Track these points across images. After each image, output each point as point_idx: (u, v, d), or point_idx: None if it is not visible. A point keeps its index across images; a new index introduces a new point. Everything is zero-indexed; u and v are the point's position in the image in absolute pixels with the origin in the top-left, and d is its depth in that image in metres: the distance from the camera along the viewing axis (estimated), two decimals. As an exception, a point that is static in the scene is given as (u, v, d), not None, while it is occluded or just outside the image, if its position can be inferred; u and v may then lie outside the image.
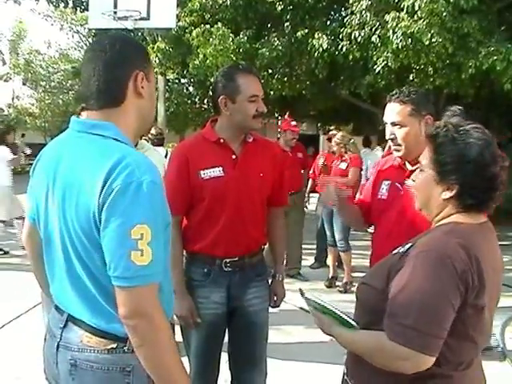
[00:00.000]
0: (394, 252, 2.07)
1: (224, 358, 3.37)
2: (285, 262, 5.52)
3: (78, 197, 1.83)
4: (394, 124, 3.05)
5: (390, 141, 3.11)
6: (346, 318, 2.04)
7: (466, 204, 1.97)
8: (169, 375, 1.86)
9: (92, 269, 1.88)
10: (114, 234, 1.76)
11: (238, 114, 3.11)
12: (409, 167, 3.06)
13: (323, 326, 2.18)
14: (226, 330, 3.33)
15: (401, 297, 1.87)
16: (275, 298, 3.45)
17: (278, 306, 3.53)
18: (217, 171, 3.10)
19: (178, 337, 3.26)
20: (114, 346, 1.93)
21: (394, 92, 3.11)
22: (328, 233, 8.21)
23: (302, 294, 2.31)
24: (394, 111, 3.06)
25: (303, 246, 8.99)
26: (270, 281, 3.47)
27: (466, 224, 1.96)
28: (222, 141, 3.15)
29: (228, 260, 3.17)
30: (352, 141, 7.97)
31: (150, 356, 1.83)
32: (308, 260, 9.24)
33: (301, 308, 6.53)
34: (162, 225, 1.88)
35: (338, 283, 8.05)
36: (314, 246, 9.40)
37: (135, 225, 1.75)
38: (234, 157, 3.15)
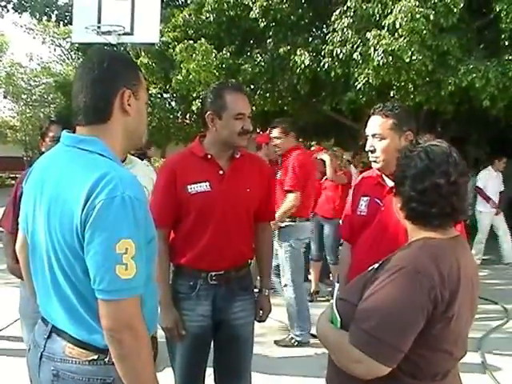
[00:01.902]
0: (370, 269, 2.12)
1: (208, 371, 3.37)
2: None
3: (63, 209, 1.86)
4: (374, 136, 3.09)
5: (369, 152, 3.14)
6: (335, 314, 2.07)
7: (409, 216, 2.06)
8: None
9: (74, 280, 1.90)
10: (99, 249, 1.79)
11: (223, 131, 3.15)
12: (389, 183, 3.06)
13: (320, 316, 2.22)
14: (212, 344, 3.35)
15: (366, 304, 1.93)
16: (261, 313, 3.46)
17: (264, 321, 3.53)
18: (203, 186, 3.13)
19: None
20: (95, 357, 1.95)
21: (378, 105, 3.15)
22: (313, 247, 8.24)
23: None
24: (375, 123, 3.10)
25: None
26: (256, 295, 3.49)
27: (437, 239, 2.02)
28: (209, 156, 3.19)
29: (214, 273, 3.19)
30: (344, 156, 8.03)
31: (131, 368, 1.87)
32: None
33: (282, 322, 6.56)
34: (145, 239, 1.91)
35: (319, 298, 8.07)
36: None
37: (120, 239, 1.79)
38: (221, 172, 3.18)
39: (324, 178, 8.23)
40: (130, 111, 2.05)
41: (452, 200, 1.99)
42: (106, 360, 1.95)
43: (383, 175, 3.15)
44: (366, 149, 3.15)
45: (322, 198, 8.18)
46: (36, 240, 2.03)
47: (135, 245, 1.81)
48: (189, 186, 3.13)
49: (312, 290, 8.16)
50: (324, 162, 8.13)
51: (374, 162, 3.12)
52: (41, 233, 1.98)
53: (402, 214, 2.10)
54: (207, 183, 3.14)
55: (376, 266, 2.07)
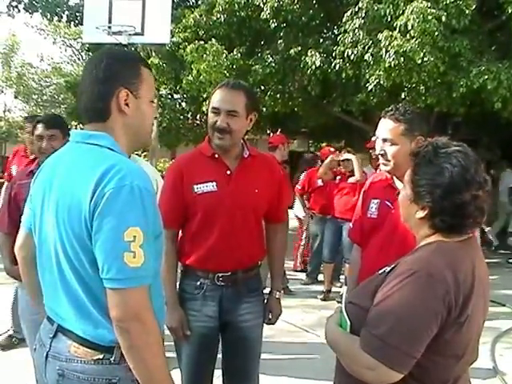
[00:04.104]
0: (380, 272, 2.07)
1: (217, 373, 3.35)
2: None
3: (71, 200, 1.88)
4: (385, 140, 3.05)
5: (379, 155, 3.10)
6: (345, 316, 2.03)
7: (437, 226, 1.98)
8: (156, 379, 1.89)
9: (81, 272, 1.91)
10: (107, 237, 1.80)
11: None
12: (399, 186, 3.00)
13: (328, 319, 2.18)
14: (220, 345, 3.33)
15: (378, 309, 1.89)
16: (270, 316, 3.42)
17: (273, 324, 3.49)
18: (210, 186, 3.11)
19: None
20: (101, 356, 1.94)
21: (390, 108, 3.10)
22: (326, 249, 8.23)
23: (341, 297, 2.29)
24: (386, 128, 3.05)
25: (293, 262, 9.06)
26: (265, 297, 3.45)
27: (450, 242, 1.97)
28: (216, 156, 3.16)
29: (221, 274, 3.16)
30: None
31: (140, 360, 1.86)
32: (298, 276, 9.26)
33: (291, 324, 6.54)
34: (153, 232, 1.92)
35: (331, 295, 8.11)
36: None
37: (128, 227, 1.80)
38: (228, 172, 3.16)
39: (337, 179, 8.19)
40: (127, 111, 2.06)
41: (484, 209, 1.95)
42: (112, 359, 1.95)
43: (394, 177, 3.12)
44: (376, 152, 3.12)
45: (339, 200, 8.11)
46: (43, 236, 2.05)
47: (143, 233, 1.82)
48: (195, 186, 3.11)
49: (325, 290, 8.19)
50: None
51: (384, 165, 3.08)
52: (49, 228, 1.99)
53: (425, 223, 2.01)
54: (214, 183, 3.12)
55: (388, 269, 2.02)
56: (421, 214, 1.99)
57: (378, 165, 6.62)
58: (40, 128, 3.98)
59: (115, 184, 1.81)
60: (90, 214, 1.82)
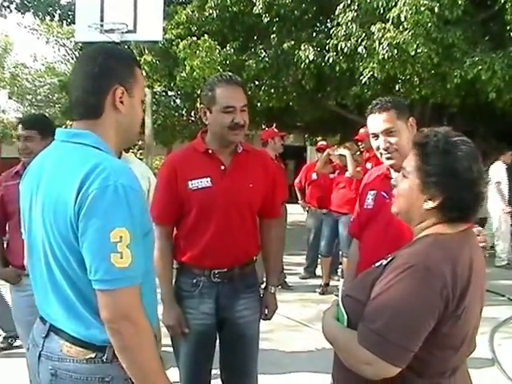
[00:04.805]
0: (377, 264, 2.05)
1: (215, 370, 3.34)
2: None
3: (57, 202, 1.86)
4: (386, 132, 2.99)
5: (383, 151, 3.02)
6: (342, 310, 2.01)
7: (450, 216, 1.95)
8: (151, 379, 1.88)
9: (70, 273, 1.89)
10: (93, 238, 1.79)
11: (214, 125, 3.12)
12: (394, 176, 2.95)
13: (325, 313, 2.16)
14: (218, 342, 3.32)
15: (375, 303, 1.87)
16: (266, 311, 3.41)
17: (270, 319, 3.47)
18: (204, 182, 3.09)
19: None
20: (93, 355, 1.94)
21: (375, 103, 3.07)
22: (322, 243, 8.24)
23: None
24: (381, 120, 3.00)
25: (292, 257, 9.03)
26: (261, 292, 3.44)
27: (448, 234, 1.95)
28: (210, 151, 3.14)
29: (217, 271, 3.15)
30: (358, 153, 7.99)
31: (133, 360, 1.86)
32: (297, 270, 9.26)
33: (289, 318, 6.53)
34: (141, 231, 1.90)
35: (329, 289, 8.12)
36: (302, 257, 9.43)
37: (114, 228, 1.78)
38: (222, 167, 3.14)
39: (336, 173, 8.19)
40: (121, 108, 2.04)
41: (484, 202, 1.99)
42: (104, 358, 1.94)
43: (391, 169, 3.10)
44: (381, 147, 3.02)
45: (336, 194, 8.10)
46: (33, 238, 2.03)
47: (130, 233, 1.81)
48: (189, 182, 3.09)
49: (323, 283, 8.22)
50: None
51: (390, 159, 3.03)
52: (37, 229, 1.98)
53: (434, 214, 1.97)
54: (208, 179, 3.09)
55: (384, 262, 2.00)
56: (430, 204, 1.96)
57: (368, 158, 6.56)
58: (19, 128, 3.98)
59: (99, 184, 1.79)
60: (76, 215, 1.80)
